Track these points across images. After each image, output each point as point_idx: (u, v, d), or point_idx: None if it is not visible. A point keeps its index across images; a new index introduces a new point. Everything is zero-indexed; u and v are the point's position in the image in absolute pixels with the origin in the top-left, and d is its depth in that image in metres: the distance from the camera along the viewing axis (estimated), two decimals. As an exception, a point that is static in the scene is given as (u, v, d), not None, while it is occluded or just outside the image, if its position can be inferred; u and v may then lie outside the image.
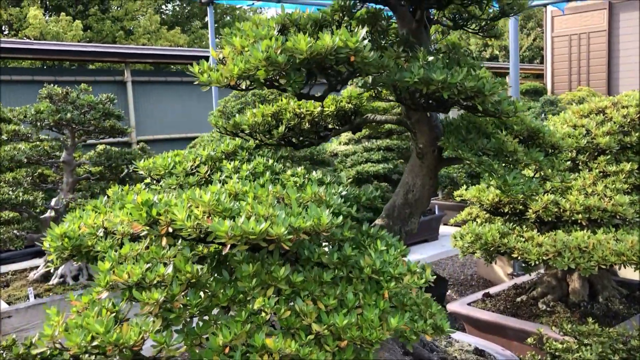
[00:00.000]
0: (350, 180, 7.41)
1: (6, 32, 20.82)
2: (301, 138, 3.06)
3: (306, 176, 2.47)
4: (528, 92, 14.68)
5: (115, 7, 21.83)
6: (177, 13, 26.59)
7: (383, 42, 2.40)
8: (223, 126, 2.83)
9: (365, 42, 1.73)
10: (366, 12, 2.46)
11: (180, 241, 1.81)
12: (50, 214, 4.81)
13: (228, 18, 27.24)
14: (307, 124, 2.95)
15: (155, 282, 1.63)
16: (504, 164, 2.64)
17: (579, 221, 3.37)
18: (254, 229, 1.53)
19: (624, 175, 3.49)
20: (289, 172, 2.41)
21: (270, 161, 2.54)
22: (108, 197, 2.45)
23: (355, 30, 1.77)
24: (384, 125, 6.40)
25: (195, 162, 2.55)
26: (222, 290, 1.72)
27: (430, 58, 2.18)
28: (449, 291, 5.94)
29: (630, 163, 3.53)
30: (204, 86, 1.96)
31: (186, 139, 11.41)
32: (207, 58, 13.15)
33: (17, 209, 4.57)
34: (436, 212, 8.42)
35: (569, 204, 3.39)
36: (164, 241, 1.72)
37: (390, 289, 1.88)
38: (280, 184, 2.27)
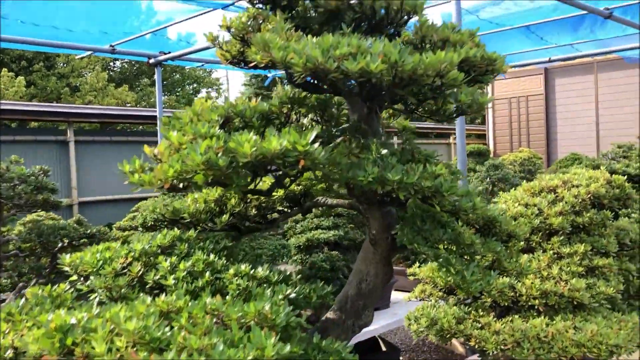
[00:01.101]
0: (300, 247, 7.20)
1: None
2: (247, 224, 2.87)
3: (251, 274, 2.26)
4: (472, 154, 14.97)
5: (61, 64, 21.42)
6: (125, 70, 26.33)
7: (334, 130, 2.27)
8: (161, 213, 2.61)
9: (316, 145, 1.58)
10: (316, 99, 2.34)
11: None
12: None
13: (177, 76, 27.17)
14: (253, 209, 2.76)
15: None
16: (460, 257, 2.51)
17: (536, 306, 3.26)
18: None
19: (578, 257, 3.42)
20: (231, 270, 2.19)
21: (212, 256, 2.32)
22: (26, 299, 2.17)
23: (305, 131, 1.62)
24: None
25: (127, 258, 2.30)
26: None
27: (384, 151, 2.05)
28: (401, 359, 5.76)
29: (583, 244, 3.47)
30: (134, 187, 1.76)
31: (131, 200, 11.00)
32: (153, 117, 12.85)
33: None
34: (387, 279, 8.25)
35: (525, 289, 3.28)
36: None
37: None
38: (220, 291, 2.06)
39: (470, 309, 3.54)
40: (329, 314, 2.80)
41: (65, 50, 13.16)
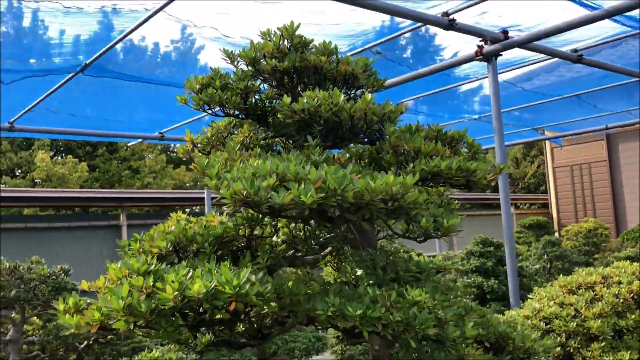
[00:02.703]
0: (339, 337, 6.85)
1: (18, 174, 21.26)
2: (236, 339, 2.67)
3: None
4: (532, 227, 14.29)
5: (124, 148, 22.41)
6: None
7: (313, 244, 2.08)
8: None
9: (249, 285, 1.39)
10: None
11: None
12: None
13: (234, 154, 27.77)
14: (241, 326, 2.57)
15: None
16: (466, 382, 2.21)
17: None
18: None
19: (623, 367, 3.00)
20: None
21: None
22: None
23: (239, 268, 1.45)
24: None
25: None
26: None
27: (359, 272, 1.84)
28: None
29: (629, 351, 3.05)
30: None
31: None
32: (202, 199, 13.07)
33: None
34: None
35: (561, 405, 2.88)
36: None
37: None
38: None
39: None
40: None
41: (116, 139, 13.75)
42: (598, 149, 18.03)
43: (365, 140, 2.04)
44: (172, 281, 1.42)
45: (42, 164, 18.22)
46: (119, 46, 7.24)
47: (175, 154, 26.76)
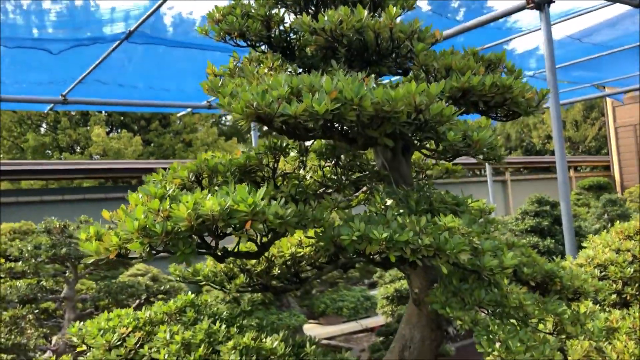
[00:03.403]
0: (388, 297, 6.79)
1: (78, 150, 22.02)
2: (274, 282, 2.63)
3: (256, 346, 2.00)
4: (592, 188, 13.73)
5: (176, 122, 22.81)
6: (236, 125, 27.55)
7: (344, 179, 1.99)
8: (178, 275, 2.44)
9: (264, 202, 1.32)
10: (324, 145, 2.08)
11: None
12: (48, 355, 4.49)
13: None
14: (277, 269, 2.53)
15: None
16: (509, 322, 2.09)
17: (631, 376, 2.69)
18: None
19: (685, 313, 2.81)
20: (230, 342, 1.95)
21: (217, 324, 2.10)
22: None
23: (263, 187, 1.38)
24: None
25: (129, 328, 2.14)
26: None
27: (389, 201, 1.74)
28: None
29: (692, 298, 2.86)
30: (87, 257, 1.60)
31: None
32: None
33: (11, 351, 4.29)
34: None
35: (616, 354, 2.72)
36: None
37: None
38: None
39: (552, 375, 3.01)
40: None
41: (165, 109, 13.94)
42: (663, 106, 17.10)
43: (395, 68, 1.92)
44: (187, 202, 1.37)
45: (98, 139, 18.77)
46: (168, 20, 7.27)
47: (226, 127, 27.07)
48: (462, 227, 1.63)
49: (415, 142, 1.80)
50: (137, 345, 2.06)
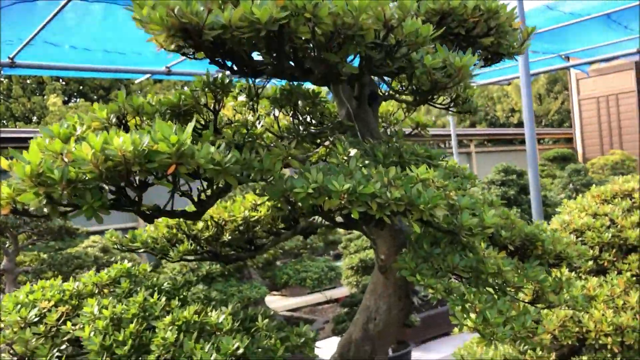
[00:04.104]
0: (353, 267, 6.61)
1: (34, 120, 21.14)
2: (226, 250, 2.36)
3: (201, 320, 1.74)
4: (556, 159, 13.78)
5: (137, 92, 22.07)
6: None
7: (302, 129, 1.71)
8: (114, 241, 2.15)
9: (194, 145, 1.04)
10: (280, 90, 1.80)
11: None
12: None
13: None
14: (227, 235, 2.25)
15: None
16: (486, 290, 1.87)
17: (609, 346, 2.53)
18: None
19: (664, 280, 2.66)
20: (168, 317, 1.68)
21: (154, 297, 1.82)
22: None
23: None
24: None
25: (51, 301, 1.85)
26: None
27: (352, 152, 1.48)
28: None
29: (671, 263, 2.70)
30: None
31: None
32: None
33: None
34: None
35: (594, 322, 2.55)
36: None
37: None
38: (145, 347, 1.56)
39: (525, 347, 2.84)
40: (327, 364, 2.24)
41: (121, 75, 13.35)
42: (626, 79, 17.24)
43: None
44: (94, 142, 1.08)
45: (54, 108, 18.02)
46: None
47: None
48: (437, 180, 1.38)
49: (384, 75, 1.53)
50: (60, 321, 1.77)
